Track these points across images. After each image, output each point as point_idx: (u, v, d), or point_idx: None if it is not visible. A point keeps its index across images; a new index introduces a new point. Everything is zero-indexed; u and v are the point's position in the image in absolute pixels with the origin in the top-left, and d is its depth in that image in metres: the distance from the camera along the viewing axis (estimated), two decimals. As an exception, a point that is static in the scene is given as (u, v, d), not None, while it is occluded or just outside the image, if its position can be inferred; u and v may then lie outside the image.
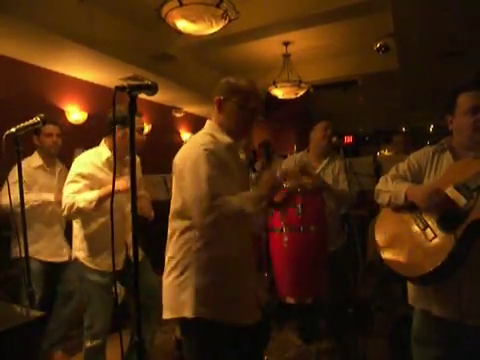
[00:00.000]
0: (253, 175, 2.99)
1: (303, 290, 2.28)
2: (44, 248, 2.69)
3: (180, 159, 1.55)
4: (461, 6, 3.73)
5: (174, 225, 1.58)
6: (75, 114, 5.05)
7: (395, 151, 4.19)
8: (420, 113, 9.36)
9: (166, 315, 1.55)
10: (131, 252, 2.10)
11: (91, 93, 5.32)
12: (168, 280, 1.56)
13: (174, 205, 1.59)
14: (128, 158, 2.00)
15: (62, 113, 4.95)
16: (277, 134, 9.61)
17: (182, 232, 1.54)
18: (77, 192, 2.05)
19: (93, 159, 2.17)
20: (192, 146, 1.54)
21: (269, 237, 2.42)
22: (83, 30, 4.04)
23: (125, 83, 1.02)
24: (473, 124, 1.49)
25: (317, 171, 2.77)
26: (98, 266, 2.16)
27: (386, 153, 10.71)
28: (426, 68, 5.74)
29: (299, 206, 2.18)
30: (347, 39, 5.40)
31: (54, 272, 2.75)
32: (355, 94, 7.42)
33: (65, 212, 2.06)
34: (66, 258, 2.77)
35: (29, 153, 2.76)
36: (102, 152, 2.21)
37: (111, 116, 2.07)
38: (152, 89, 1.07)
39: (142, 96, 1.11)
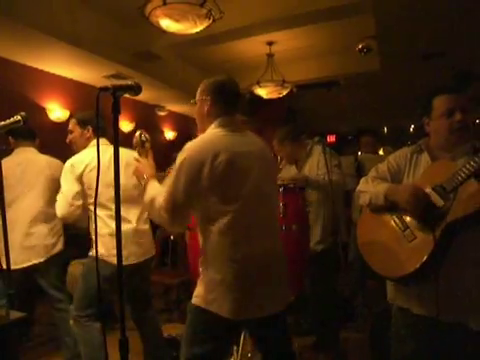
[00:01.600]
0: None
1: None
2: None
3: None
4: (441, 9, 3.83)
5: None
6: (56, 112, 4.97)
7: (364, 152, 4.18)
8: (402, 113, 9.54)
9: None
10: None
11: (73, 91, 5.25)
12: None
13: None
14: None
15: (43, 111, 4.87)
16: (261, 133, 9.63)
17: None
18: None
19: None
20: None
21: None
22: (65, 27, 3.99)
23: (109, 84, 1.02)
24: (449, 126, 1.52)
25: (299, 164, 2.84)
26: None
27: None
28: (407, 69, 5.87)
29: (281, 205, 2.22)
30: (330, 40, 5.47)
31: None
32: (338, 94, 7.52)
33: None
34: None
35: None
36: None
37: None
38: (135, 90, 1.08)
39: (126, 94, 1.11)
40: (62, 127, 4.83)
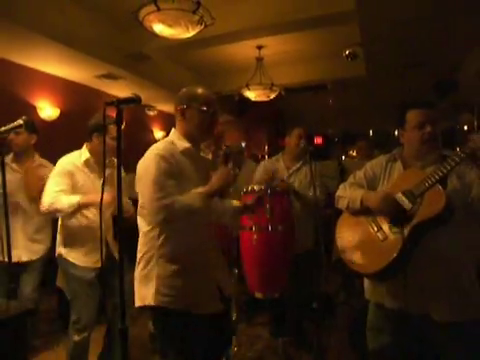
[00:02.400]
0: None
1: (271, 286, 2.44)
2: None
3: (139, 164, 1.72)
4: (423, 21, 4.00)
5: (140, 223, 1.74)
6: (47, 110, 5.00)
7: (360, 155, 4.40)
8: (387, 117, 9.76)
9: (136, 303, 1.70)
10: (112, 249, 2.22)
11: (64, 89, 5.27)
12: (137, 272, 1.72)
13: (140, 205, 1.74)
14: (108, 160, 2.13)
15: (33, 109, 4.88)
16: (249, 135, 9.76)
17: (146, 229, 1.70)
18: (59, 191, 2.14)
19: (74, 160, 2.28)
20: (149, 152, 1.71)
21: (239, 235, 2.56)
22: (57, 26, 4.02)
23: (114, 99, 1.11)
24: (420, 137, 1.68)
25: (290, 172, 2.94)
26: (80, 262, 2.24)
27: (354, 154, 11.09)
28: (391, 76, 6.06)
29: (268, 207, 2.33)
30: (318, 46, 5.62)
31: None
32: (325, 97, 7.69)
33: (44, 208, 2.14)
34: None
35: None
36: (82, 154, 2.31)
37: (92, 123, 2.23)
38: (137, 102, 1.18)
39: (117, 94, 1.21)
40: (52, 125, 4.89)
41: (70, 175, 2.20)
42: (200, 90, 1.79)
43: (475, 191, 1.53)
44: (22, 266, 2.63)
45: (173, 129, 1.83)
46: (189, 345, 1.67)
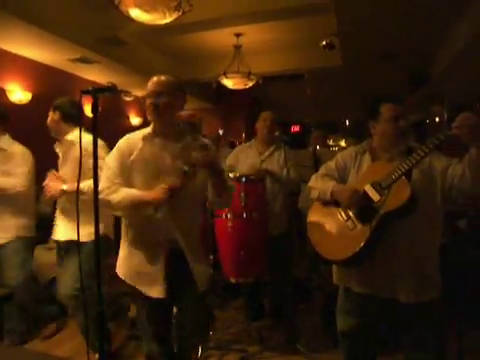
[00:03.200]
0: None
1: (245, 271, 2.51)
2: None
3: None
4: (398, 14, 4.09)
5: None
6: (17, 94, 4.84)
7: (314, 145, 4.43)
8: (362, 107, 9.94)
9: None
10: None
11: (36, 72, 5.10)
12: None
13: None
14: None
15: (2, 92, 4.72)
16: (227, 122, 9.76)
17: None
18: None
19: None
20: None
21: (214, 223, 2.61)
22: (28, 6, 3.87)
23: (89, 87, 1.12)
24: (394, 130, 1.76)
25: (262, 158, 2.99)
26: None
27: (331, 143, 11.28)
28: (366, 67, 6.17)
29: (242, 195, 2.39)
30: (296, 35, 5.65)
31: None
32: (302, 86, 7.76)
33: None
34: None
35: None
36: None
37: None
38: (114, 91, 1.18)
39: (91, 78, 1.22)
40: (23, 109, 4.75)
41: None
42: (149, 83, 1.84)
43: (452, 173, 1.59)
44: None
45: None
46: (148, 327, 1.86)
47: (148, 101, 1.77)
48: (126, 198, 1.72)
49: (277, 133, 2.72)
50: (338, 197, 1.78)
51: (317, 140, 4.50)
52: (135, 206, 1.74)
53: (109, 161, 1.80)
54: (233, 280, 2.52)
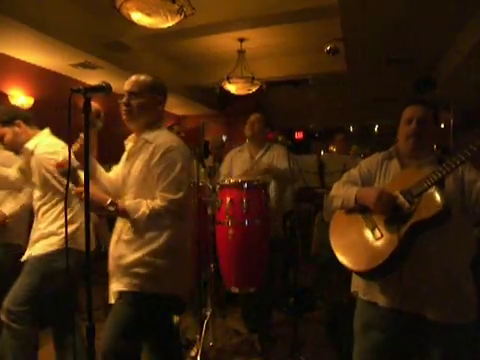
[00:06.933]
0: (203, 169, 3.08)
1: (247, 280, 2.42)
2: None
3: None
4: (403, 18, 4.03)
5: None
6: (20, 98, 4.83)
7: (337, 148, 4.39)
8: (367, 113, 9.88)
9: None
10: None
11: (38, 78, 5.10)
12: None
13: None
14: None
15: (5, 97, 4.71)
16: (230, 128, 9.72)
17: None
18: None
19: None
20: None
21: (216, 230, 2.53)
22: (30, 10, 3.86)
23: (80, 86, 1.06)
24: (406, 133, 1.68)
25: (255, 160, 2.94)
26: None
27: (334, 149, 11.16)
28: (371, 72, 6.11)
29: (244, 201, 2.31)
30: (300, 40, 5.61)
31: None
32: (306, 92, 7.70)
33: None
34: None
35: None
36: None
37: None
38: (106, 90, 1.12)
39: (92, 83, 1.16)
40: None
41: None
42: (126, 81, 1.84)
43: (476, 191, 1.51)
44: None
45: None
46: None
47: (120, 101, 1.73)
48: None
49: (280, 138, 2.65)
50: (364, 200, 1.64)
51: (340, 144, 4.33)
52: None
53: None
54: (235, 290, 2.44)
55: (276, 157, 2.90)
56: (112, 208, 1.55)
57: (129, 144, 1.87)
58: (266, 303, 2.82)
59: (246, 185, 2.39)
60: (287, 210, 3.08)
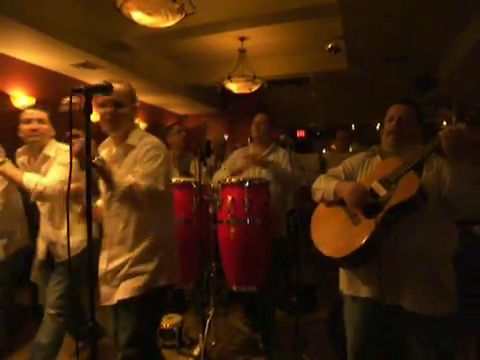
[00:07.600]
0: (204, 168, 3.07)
1: (249, 279, 2.42)
2: None
3: None
4: (404, 16, 4.02)
5: None
6: (21, 99, 4.83)
7: (338, 145, 4.40)
8: (368, 111, 9.87)
9: None
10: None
11: (40, 78, 5.10)
12: None
13: None
14: None
15: (7, 98, 4.72)
16: (232, 127, 9.72)
17: None
18: None
19: None
20: None
21: (217, 229, 2.53)
22: (30, 10, 3.85)
23: (81, 86, 1.06)
24: (386, 130, 1.74)
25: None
26: None
27: (334, 147, 11.15)
28: (372, 70, 6.09)
29: (246, 200, 2.31)
30: (301, 38, 5.59)
31: None
32: (307, 90, 7.69)
33: None
34: None
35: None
36: None
37: None
38: (107, 90, 1.12)
39: (94, 82, 1.16)
40: (28, 115, 4.72)
41: None
42: None
43: (447, 186, 1.54)
44: None
45: None
46: None
47: (103, 110, 1.71)
48: None
49: (282, 137, 2.63)
50: (341, 194, 1.70)
51: (341, 142, 4.39)
52: None
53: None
54: (237, 289, 2.44)
55: (280, 158, 2.88)
56: (100, 163, 1.50)
57: (104, 150, 1.85)
58: (269, 302, 2.81)
59: (248, 184, 2.39)
60: (289, 209, 3.08)
